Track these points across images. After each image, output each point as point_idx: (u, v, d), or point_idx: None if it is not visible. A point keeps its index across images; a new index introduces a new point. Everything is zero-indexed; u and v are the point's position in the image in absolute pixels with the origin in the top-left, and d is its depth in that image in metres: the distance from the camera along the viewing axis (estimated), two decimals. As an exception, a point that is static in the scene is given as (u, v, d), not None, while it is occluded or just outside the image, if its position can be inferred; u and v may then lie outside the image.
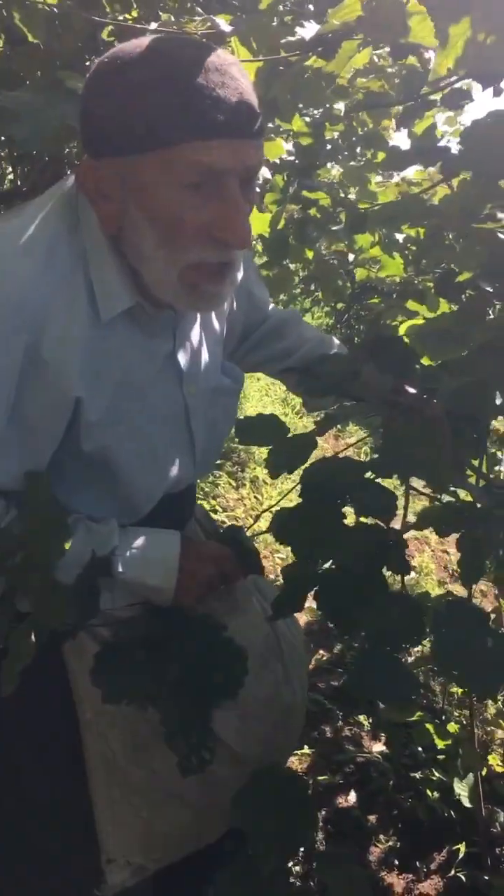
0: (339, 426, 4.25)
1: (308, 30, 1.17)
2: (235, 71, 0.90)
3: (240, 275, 1.04)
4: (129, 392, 1.06)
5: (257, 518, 1.36)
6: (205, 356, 1.19)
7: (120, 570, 1.07)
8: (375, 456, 1.01)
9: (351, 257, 2.30)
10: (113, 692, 0.97)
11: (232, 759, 1.16)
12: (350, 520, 0.98)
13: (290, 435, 1.13)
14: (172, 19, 1.60)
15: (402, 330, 1.86)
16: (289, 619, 1.36)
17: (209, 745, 0.97)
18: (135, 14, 1.96)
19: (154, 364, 1.09)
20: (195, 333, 1.17)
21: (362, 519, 0.96)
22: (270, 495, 3.51)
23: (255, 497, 3.50)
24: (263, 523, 1.27)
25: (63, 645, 1.14)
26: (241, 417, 1.15)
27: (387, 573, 0.95)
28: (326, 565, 0.97)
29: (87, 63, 2.27)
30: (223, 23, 1.62)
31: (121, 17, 1.93)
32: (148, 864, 1.19)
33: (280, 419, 1.14)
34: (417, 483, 1.09)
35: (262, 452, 3.57)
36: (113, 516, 1.11)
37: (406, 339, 1.90)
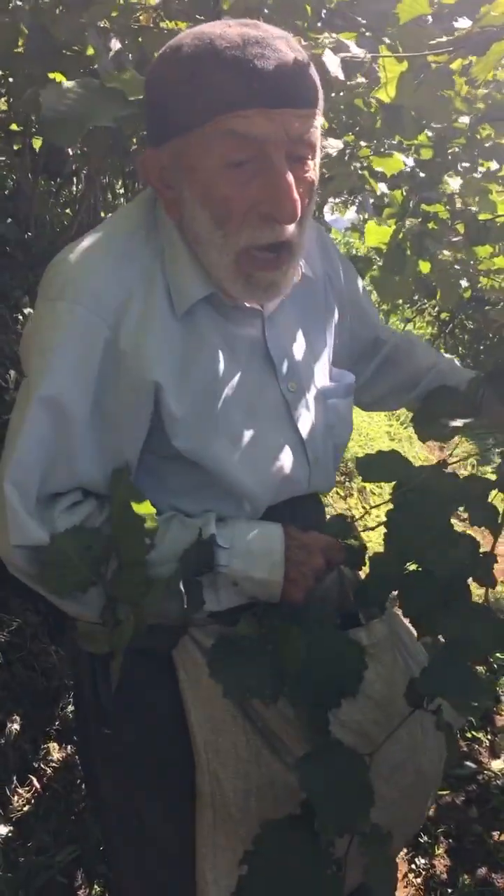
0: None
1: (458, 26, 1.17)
2: (280, 44, 0.88)
3: (302, 263, 1.01)
4: (217, 385, 1.02)
5: (364, 514, 1.35)
6: (306, 354, 1.13)
7: (223, 563, 1.00)
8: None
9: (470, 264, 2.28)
10: (233, 687, 0.93)
11: None
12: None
13: (415, 466, 1.08)
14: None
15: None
16: None
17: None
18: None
19: (242, 352, 1.05)
20: (291, 329, 1.12)
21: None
22: (378, 505, 3.49)
23: (364, 507, 3.50)
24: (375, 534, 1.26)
25: (180, 679, 1.07)
26: (362, 455, 1.09)
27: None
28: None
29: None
30: (351, 43, 1.65)
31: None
32: None
33: (402, 455, 1.09)
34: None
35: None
36: None
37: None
